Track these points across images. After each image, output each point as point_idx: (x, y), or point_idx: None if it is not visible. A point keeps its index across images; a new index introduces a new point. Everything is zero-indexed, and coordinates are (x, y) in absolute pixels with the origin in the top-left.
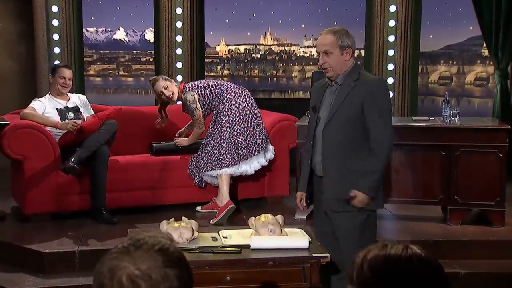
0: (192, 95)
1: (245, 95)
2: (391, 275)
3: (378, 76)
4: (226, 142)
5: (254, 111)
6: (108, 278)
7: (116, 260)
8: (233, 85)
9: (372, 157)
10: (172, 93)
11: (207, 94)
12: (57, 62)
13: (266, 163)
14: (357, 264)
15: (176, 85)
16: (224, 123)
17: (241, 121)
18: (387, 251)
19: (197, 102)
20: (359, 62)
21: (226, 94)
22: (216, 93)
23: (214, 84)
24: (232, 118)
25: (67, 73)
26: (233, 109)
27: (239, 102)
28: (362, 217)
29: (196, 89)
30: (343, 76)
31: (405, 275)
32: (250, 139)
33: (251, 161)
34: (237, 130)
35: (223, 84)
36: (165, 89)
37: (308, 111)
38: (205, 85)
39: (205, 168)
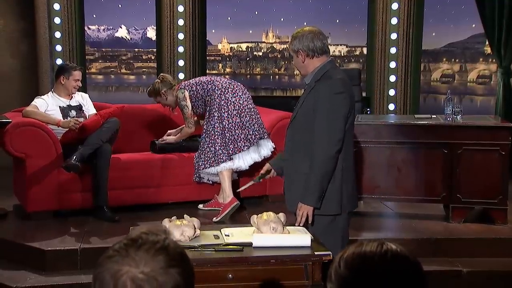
0: (182, 93)
1: (236, 90)
2: (367, 271)
3: (339, 77)
4: (220, 137)
5: (247, 106)
6: (112, 285)
7: (116, 264)
8: (225, 80)
9: (310, 163)
10: (169, 107)
11: (198, 90)
12: (59, 60)
13: (260, 159)
14: (335, 262)
15: (170, 92)
16: (216, 119)
17: (230, 116)
18: (363, 248)
19: (187, 100)
20: (362, 61)
21: (217, 90)
22: (208, 89)
23: (207, 80)
24: (222, 113)
25: (81, 75)
26: (223, 105)
27: (228, 97)
28: (323, 222)
29: (187, 86)
30: (310, 77)
31: (380, 271)
32: (238, 134)
33: (243, 156)
34: (225, 125)
35: (216, 80)
36: (159, 103)
37: None
38: (197, 82)
39: (203, 165)
